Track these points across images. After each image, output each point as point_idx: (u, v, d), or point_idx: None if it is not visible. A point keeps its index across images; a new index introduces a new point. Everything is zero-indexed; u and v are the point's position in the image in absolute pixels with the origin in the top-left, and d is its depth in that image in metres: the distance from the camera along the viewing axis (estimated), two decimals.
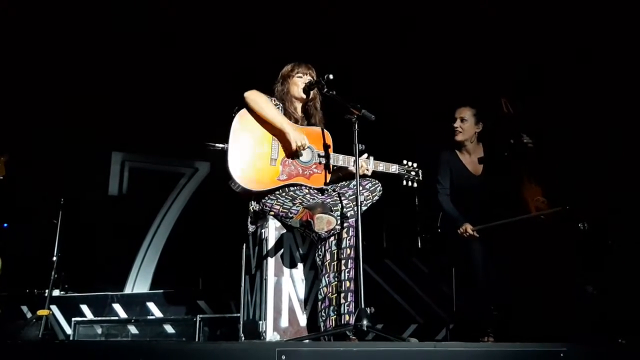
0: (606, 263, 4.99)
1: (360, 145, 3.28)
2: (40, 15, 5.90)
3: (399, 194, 6.27)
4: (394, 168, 3.74)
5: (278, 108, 3.56)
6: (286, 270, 3.46)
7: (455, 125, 4.51)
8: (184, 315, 5.14)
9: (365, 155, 3.61)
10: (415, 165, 3.77)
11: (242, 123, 3.46)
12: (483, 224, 4.28)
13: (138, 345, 2.42)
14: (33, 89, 6.30)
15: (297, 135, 3.42)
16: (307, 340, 3.13)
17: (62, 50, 6.23)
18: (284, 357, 2.21)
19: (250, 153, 3.42)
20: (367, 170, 3.58)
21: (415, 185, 3.75)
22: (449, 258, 4.79)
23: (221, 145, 3.45)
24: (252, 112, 3.47)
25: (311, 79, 3.64)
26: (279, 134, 3.47)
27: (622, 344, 2.90)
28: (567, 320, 4.91)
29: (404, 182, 3.75)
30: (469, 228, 4.27)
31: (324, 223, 3.14)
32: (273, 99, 3.60)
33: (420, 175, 3.77)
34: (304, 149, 3.45)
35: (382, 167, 3.69)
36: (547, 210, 4.24)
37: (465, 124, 4.52)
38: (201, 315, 4.83)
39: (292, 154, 3.45)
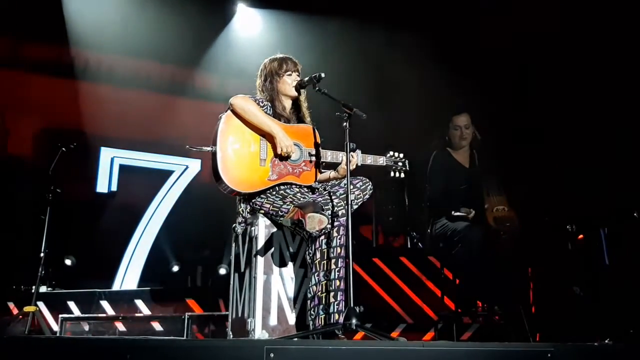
0: (595, 266, 5.04)
1: (351, 144, 3.27)
2: None
3: (389, 193, 6.36)
4: (381, 160, 3.74)
5: (265, 108, 3.54)
6: (275, 269, 3.45)
7: (463, 134, 4.79)
8: (172, 313, 5.11)
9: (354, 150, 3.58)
10: (401, 155, 3.76)
11: (228, 125, 3.44)
12: (476, 208, 4.39)
13: (125, 342, 2.40)
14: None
15: (284, 141, 3.40)
16: (295, 339, 3.12)
17: None
18: (272, 355, 2.20)
19: (239, 154, 3.40)
20: (353, 158, 3.56)
21: (402, 175, 3.75)
22: (440, 257, 4.81)
23: (208, 148, 3.43)
24: (240, 116, 3.45)
25: (298, 75, 3.62)
26: (268, 135, 3.45)
27: (609, 345, 2.92)
28: (555, 320, 4.96)
29: (392, 174, 3.75)
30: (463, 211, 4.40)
31: (315, 222, 3.14)
32: (260, 99, 3.58)
33: (407, 166, 3.77)
34: (289, 156, 3.43)
35: (370, 160, 3.69)
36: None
37: (468, 130, 4.76)
38: (189, 313, 4.81)
39: (280, 156, 3.44)
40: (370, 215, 6.56)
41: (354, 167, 3.56)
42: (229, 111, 3.46)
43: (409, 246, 6.38)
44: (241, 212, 3.55)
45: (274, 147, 3.44)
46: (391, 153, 3.76)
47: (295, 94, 3.61)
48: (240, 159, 3.40)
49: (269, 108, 3.57)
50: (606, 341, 3.20)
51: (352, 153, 3.52)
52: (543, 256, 5.43)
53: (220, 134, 3.40)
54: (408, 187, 6.22)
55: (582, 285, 5.06)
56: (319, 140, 3.58)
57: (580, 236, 5.52)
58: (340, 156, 3.53)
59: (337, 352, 2.32)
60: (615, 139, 5.53)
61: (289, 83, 3.61)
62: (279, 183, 3.41)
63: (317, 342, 2.95)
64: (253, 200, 3.45)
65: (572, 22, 5.64)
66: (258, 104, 3.51)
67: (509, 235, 4.31)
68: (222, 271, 6.46)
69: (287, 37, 6.52)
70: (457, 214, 4.43)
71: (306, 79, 3.56)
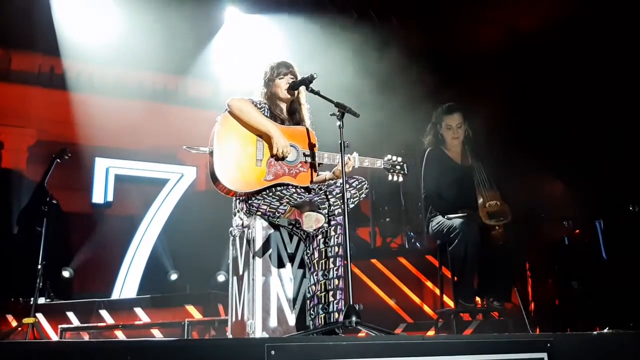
0: (592, 260, 5.06)
1: (346, 142, 3.29)
2: None
3: (385, 194, 6.36)
4: (379, 163, 3.76)
5: (263, 110, 3.56)
6: (274, 270, 3.45)
7: (456, 133, 4.74)
8: (171, 320, 5.09)
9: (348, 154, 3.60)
10: (399, 159, 3.79)
11: (225, 126, 3.46)
12: (472, 207, 4.38)
13: (126, 344, 2.40)
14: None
15: (280, 141, 3.41)
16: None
17: None
18: (273, 352, 2.20)
19: (235, 155, 3.42)
20: (351, 161, 3.58)
21: (400, 179, 3.78)
22: (439, 256, 4.82)
23: (204, 149, 3.45)
24: (237, 117, 3.48)
25: (293, 77, 3.64)
26: (265, 135, 3.47)
27: (607, 333, 2.93)
28: (554, 314, 4.97)
29: (390, 177, 3.77)
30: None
31: (312, 220, 3.17)
32: (258, 101, 3.60)
33: (406, 169, 3.79)
34: (284, 157, 3.45)
35: (367, 162, 3.71)
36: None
37: (460, 129, 4.74)
38: (189, 319, 4.80)
39: (275, 156, 3.45)
40: (367, 217, 6.57)
41: (351, 169, 3.58)
42: (226, 112, 3.48)
43: (406, 246, 6.39)
44: (237, 213, 3.56)
45: (271, 148, 3.45)
46: (389, 157, 3.78)
47: (287, 95, 3.63)
48: (237, 159, 3.41)
49: (266, 110, 3.59)
50: (605, 330, 3.21)
51: (349, 155, 3.55)
52: (540, 251, 5.45)
53: (217, 134, 3.42)
54: (403, 188, 6.23)
55: (580, 280, 5.08)
56: (314, 142, 3.59)
57: (577, 231, 5.55)
58: (337, 158, 3.53)
59: (338, 348, 2.32)
60: (610, 133, 5.56)
61: (280, 86, 3.63)
62: (275, 184, 3.42)
63: (317, 338, 2.95)
64: (250, 202, 3.46)
65: (566, 18, 5.68)
66: (255, 105, 3.53)
67: (503, 230, 4.31)
68: (221, 278, 6.45)
69: (280, 41, 6.54)
70: (453, 215, 4.44)
71: (298, 80, 3.58)
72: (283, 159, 3.45)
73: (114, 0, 6.38)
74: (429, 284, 5.35)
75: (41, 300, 5.34)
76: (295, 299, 3.46)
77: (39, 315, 5.23)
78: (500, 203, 4.37)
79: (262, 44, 6.73)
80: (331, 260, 3.32)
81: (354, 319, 2.88)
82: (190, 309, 5.22)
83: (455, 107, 4.81)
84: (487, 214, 4.32)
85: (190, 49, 7.01)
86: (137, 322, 5.17)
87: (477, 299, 4.53)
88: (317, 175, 3.60)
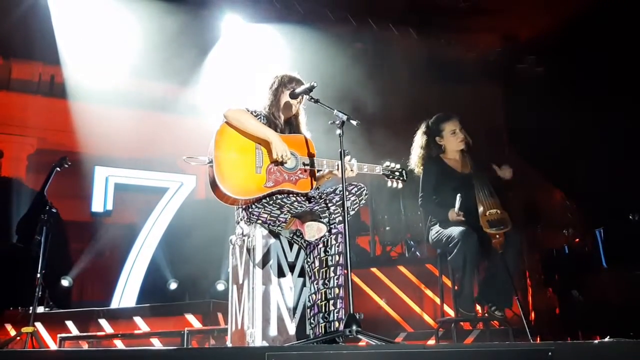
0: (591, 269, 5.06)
1: (345, 150, 3.29)
2: None
3: (385, 202, 6.36)
4: (377, 169, 3.76)
5: (259, 118, 3.57)
6: (274, 279, 3.45)
7: (460, 137, 4.69)
8: (171, 329, 5.07)
9: (349, 157, 3.61)
10: (398, 166, 3.80)
11: (223, 135, 3.47)
12: (472, 215, 4.37)
13: (126, 353, 2.39)
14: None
15: (280, 146, 3.41)
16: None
17: None
18: None
19: (235, 163, 3.42)
20: (352, 171, 3.59)
21: (400, 185, 3.78)
22: (440, 265, 4.80)
23: (204, 158, 3.46)
24: (234, 127, 3.49)
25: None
26: (264, 142, 3.48)
27: (609, 342, 2.92)
28: (555, 323, 4.95)
29: (389, 183, 3.78)
30: (454, 214, 4.39)
31: (314, 230, 3.18)
32: (253, 110, 3.61)
33: (405, 176, 3.79)
34: (284, 162, 3.45)
35: (366, 168, 3.71)
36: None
37: (461, 132, 4.71)
38: (189, 328, 4.78)
39: (275, 161, 3.46)
40: (367, 225, 6.56)
41: (350, 176, 3.58)
42: (223, 123, 3.49)
43: (407, 255, 6.37)
44: (238, 224, 3.56)
45: (270, 154, 3.45)
46: (387, 163, 3.78)
47: (293, 112, 3.64)
48: (237, 167, 3.42)
49: (262, 118, 3.60)
50: (606, 339, 3.20)
51: (348, 162, 3.55)
52: (540, 260, 5.45)
53: (215, 144, 3.43)
54: (403, 196, 6.22)
55: (580, 289, 5.07)
56: (313, 151, 3.59)
57: (577, 239, 5.55)
58: (337, 165, 3.54)
59: (338, 357, 2.31)
60: (611, 142, 5.57)
61: (284, 94, 3.64)
62: (275, 191, 3.42)
63: (318, 347, 2.93)
64: (250, 210, 3.45)
65: (565, 21, 5.71)
66: (251, 114, 3.54)
67: (503, 239, 4.29)
68: (220, 287, 6.44)
69: (280, 50, 6.57)
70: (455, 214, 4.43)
71: (299, 89, 3.58)
72: (282, 163, 3.45)
73: (113, 10, 6.40)
74: (429, 292, 5.33)
75: (40, 309, 5.32)
76: (295, 308, 3.45)
77: (38, 325, 5.20)
78: (501, 212, 4.35)
79: (261, 54, 6.75)
80: (332, 269, 3.31)
81: (354, 327, 2.88)
82: (190, 318, 5.20)
83: (450, 114, 4.79)
84: (488, 222, 4.30)
85: (189, 58, 7.02)
86: (136, 331, 5.15)
87: (478, 307, 4.52)
88: (317, 180, 3.61)
